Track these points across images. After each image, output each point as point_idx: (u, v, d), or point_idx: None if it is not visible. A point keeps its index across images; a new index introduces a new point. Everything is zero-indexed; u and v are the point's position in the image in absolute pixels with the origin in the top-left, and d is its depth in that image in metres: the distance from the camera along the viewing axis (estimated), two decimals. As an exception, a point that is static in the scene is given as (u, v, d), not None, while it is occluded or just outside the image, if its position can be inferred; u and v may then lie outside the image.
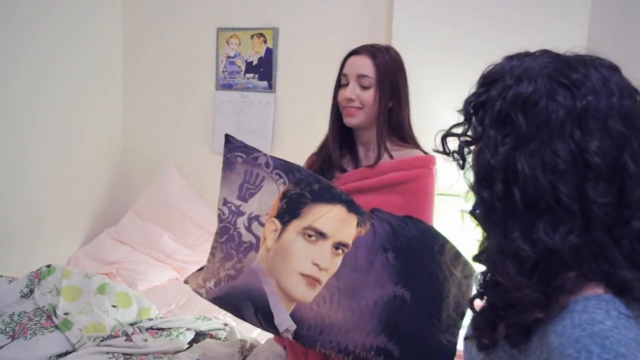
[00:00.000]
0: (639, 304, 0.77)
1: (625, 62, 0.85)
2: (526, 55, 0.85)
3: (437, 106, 2.55)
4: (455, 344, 1.57)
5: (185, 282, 1.80)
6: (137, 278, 2.96)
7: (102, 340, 2.00)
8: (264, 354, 1.91)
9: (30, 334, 1.97)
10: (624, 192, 0.77)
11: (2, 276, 2.34)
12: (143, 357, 1.94)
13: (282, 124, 3.25)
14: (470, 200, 0.88)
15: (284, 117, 3.24)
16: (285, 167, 1.63)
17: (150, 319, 2.26)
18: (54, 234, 3.20)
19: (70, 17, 3.18)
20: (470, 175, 0.88)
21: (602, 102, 0.77)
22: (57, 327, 2.03)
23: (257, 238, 1.61)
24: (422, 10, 2.68)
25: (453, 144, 0.93)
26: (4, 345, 1.95)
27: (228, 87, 3.35)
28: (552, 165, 0.77)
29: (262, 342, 2.04)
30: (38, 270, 2.32)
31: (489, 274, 0.87)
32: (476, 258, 0.89)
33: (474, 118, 0.86)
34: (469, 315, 1.60)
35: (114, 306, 2.25)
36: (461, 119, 0.90)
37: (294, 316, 1.56)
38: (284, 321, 1.56)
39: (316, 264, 1.55)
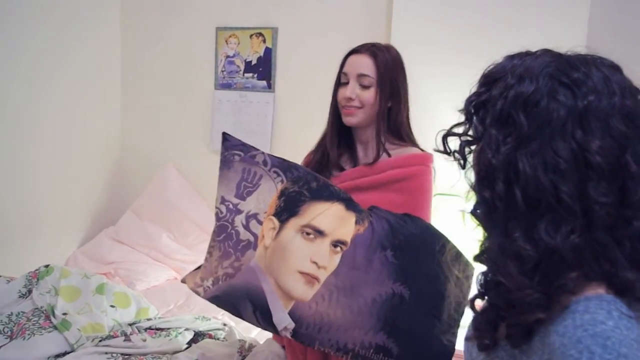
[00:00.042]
0: None
1: (625, 61, 0.85)
2: (527, 54, 0.85)
3: (436, 105, 2.55)
4: (455, 343, 1.57)
5: (183, 281, 1.79)
6: (135, 278, 2.95)
7: (100, 341, 2.00)
8: (263, 353, 1.91)
9: (29, 334, 1.97)
10: (626, 192, 0.77)
11: (0, 276, 2.34)
12: (142, 357, 1.93)
13: (281, 123, 3.24)
14: (471, 200, 0.88)
15: (283, 117, 3.24)
16: (283, 165, 1.62)
17: (148, 319, 2.25)
18: (52, 233, 3.20)
19: (70, 17, 3.18)
20: (471, 175, 0.88)
21: (604, 102, 0.77)
22: (55, 328, 2.02)
23: (255, 236, 1.61)
24: (422, 10, 2.68)
25: (453, 143, 0.93)
26: (2, 346, 1.95)
27: (227, 86, 3.34)
28: (554, 165, 0.77)
29: (261, 342, 2.04)
30: (36, 270, 2.31)
31: (489, 274, 0.87)
32: (477, 258, 0.88)
33: (475, 117, 0.86)
34: (467, 315, 1.61)
35: (112, 306, 2.24)
36: (461, 118, 0.90)
37: (292, 314, 1.56)
38: (283, 319, 1.56)
39: (315, 262, 1.55)
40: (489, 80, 0.85)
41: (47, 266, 2.32)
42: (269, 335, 1.99)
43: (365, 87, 1.71)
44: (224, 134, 1.69)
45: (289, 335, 1.57)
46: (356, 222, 1.58)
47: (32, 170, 3.04)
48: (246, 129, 3.25)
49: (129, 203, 3.51)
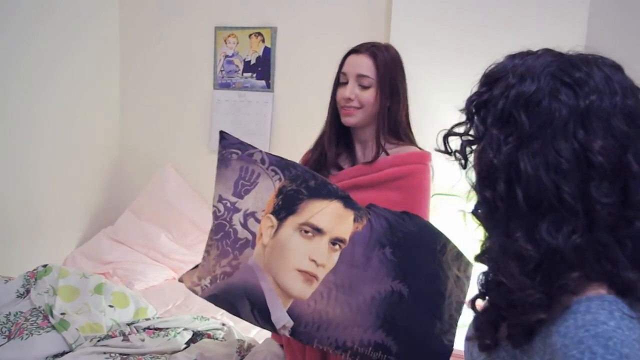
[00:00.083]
0: None
1: (625, 60, 0.85)
2: (528, 54, 0.85)
3: (435, 105, 2.55)
4: (453, 342, 1.58)
5: (180, 280, 1.79)
6: (134, 278, 2.95)
7: (99, 341, 1.99)
8: (262, 353, 1.90)
9: (27, 334, 1.96)
10: (627, 192, 0.77)
11: (-2, 276, 2.34)
12: (140, 357, 1.93)
13: (280, 123, 3.24)
14: (472, 200, 0.87)
15: (282, 117, 3.23)
16: (280, 164, 1.62)
17: (147, 319, 2.25)
18: (51, 233, 3.19)
19: (69, 16, 3.17)
20: (472, 175, 0.88)
21: (606, 101, 0.77)
22: (53, 327, 2.02)
23: (253, 234, 1.60)
24: (421, 10, 2.68)
25: (454, 143, 0.92)
26: (0, 346, 1.94)
27: (226, 86, 3.34)
28: (555, 165, 0.76)
29: (260, 342, 2.04)
30: (34, 270, 2.31)
31: (490, 274, 0.87)
32: (478, 258, 0.88)
33: (476, 117, 0.85)
34: (466, 314, 1.61)
35: (110, 306, 2.24)
36: (462, 118, 0.90)
37: (291, 313, 1.55)
38: (281, 318, 1.55)
39: (313, 260, 1.55)
40: (490, 79, 0.85)
41: (45, 266, 2.31)
42: (267, 334, 1.99)
43: (364, 88, 1.71)
44: (222, 132, 1.69)
45: (287, 334, 1.57)
46: (354, 220, 1.57)
47: (31, 169, 3.04)
48: (245, 129, 3.25)
49: (127, 203, 3.50)
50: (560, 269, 0.77)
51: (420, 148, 1.79)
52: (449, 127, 0.93)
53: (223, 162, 1.66)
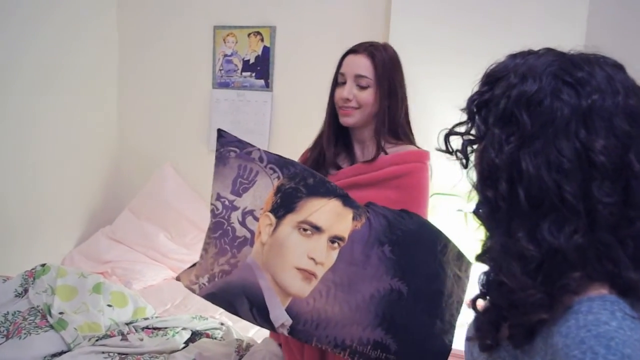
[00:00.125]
0: None
1: (624, 60, 0.85)
2: (530, 53, 0.85)
3: (434, 104, 2.55)
4: (452, 340, 1.57)
5: (177, 279, 1.78)
6: (132, 277, 2.95)
7: (97, 340, 1.99)
8: (261, 353, 1.90)
9: (25, 334, 1.96)
10: (629, 192, 0.77)
11: (-4, 275, 2.33)
12: (139, 356, 1.92)
13: (279, 122, 3.24)
14: (473, 200, 0.87)
15: (281, 116, 3.23)
16: (279, 162, 1.62)
17: (146, 319, 2.25)
18: (49, 232, 3.19)
19: (68, 16, 3.17)
20: (473, 175, 0.87)
21: (608, 101, 0.77)
22: (51, 327, 2.01)
23: (252, 233, 1.59)
24: (420, 9, 2.68)
25: (455, 143, 0.92)
26: (-2, 345, 1.94)
27: (225, 85, 3.34)
28: (557, 165, 0.76)
29: (259, 342, 2.03)
30: (32, 269, 2.30)
31: (492, 274, 0.86)
32: (479, 258, 0.88)
33: (477, 117, 0.85)
34: (464, 314, 1.61)
35: (109, 305, 2.23)
36: (462, 117, 0.89)
37: (289, 311, 1.55)
38: (280, 316, 1.55)
39: (312, 258, 1.54)
40: (492, 79, 0.85)
41: (43, 265, 2.31)
42: (266, 334, 1.99)
43: (362, 88, 1.71)
44: (219, 131, 1.69)
45: (286, 333, 1.57)
46: (353, 218, 1.57)
47: (30, 169, 3.03)
48: (244, 128, 3.25)
49: (126, 202, 3.50)
50: (562, 268, 0.77)
51: (418, 147, 1.79)
52: (448, 126, 0.93)
53: (221, 160, 1.66)
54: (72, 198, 3.36)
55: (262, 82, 3.24)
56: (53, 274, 2.25)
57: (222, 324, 2.26)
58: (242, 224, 1.61)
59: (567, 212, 0.76)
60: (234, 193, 1.63)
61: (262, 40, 3.19)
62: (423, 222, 1.64)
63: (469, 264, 1.59)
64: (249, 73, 3.26)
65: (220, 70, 3.33)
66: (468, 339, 0.93)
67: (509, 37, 2.41)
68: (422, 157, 1.76)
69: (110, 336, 2.01)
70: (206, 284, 1.63)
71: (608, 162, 0.75)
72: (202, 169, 3.04)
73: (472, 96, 0.86)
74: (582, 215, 0.76)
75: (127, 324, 2.17)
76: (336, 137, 1.81)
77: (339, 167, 1.80)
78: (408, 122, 1.81)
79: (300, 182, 1.59)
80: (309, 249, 1.55)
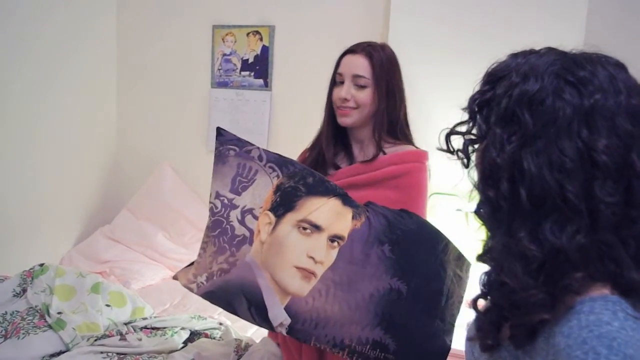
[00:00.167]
0: None
1: (623, 59, 0.84)
2: (531, 52, 0.85)
3: (433, 104, 2.55)
4: (451, 340, 1.58)
5: (175, 277, 1.78)
6: (131, 277, 2.94)
7: (96, 340, 1.98)
8: (259, 352, 1.90)
9: (23, 334, 1.95)
10: (631, 192, 0.76)
11: (-6, 275, 2.33)
12: (137, 356, 1.92)
13: (278, 122, 3.23)
14: (474, 200, 0.87)
15: (280, 115, 3.23)
16: (278, 161, 1.61)
17: (144, 318, 2.24)
18: (47, 232, 3.18)
19: (67, 16, 3.17)
20: (475, 174, 0.87)
21: (610, 100, 0.77)
22: (50, 327, 2.01)
23: (251, 231, 1.59)
24: (419, 9, 2.68)
25: (455, 142, 0.92)
26: (-4, 345, 1.93)
27: (224, 84, 3.33)
28: (559, 164, 0.76)
29: (257, 341, 2.03)
30: (31, 269, 2.30)
31: (493, 274, 0.86)
32: (480, 258, 0.88)
33: (478, 116, 0.85)
34: (464, 314, 1.61)
35: (107, 305, 2.23)
36: (460, 117, 0.89)
37: (288, 310, 1.54)
38: (278, 315, 1.54)
39: (311, 257, 1.54)
40: (493, 78, 0.85)
41: (41, 265, 2.30)
42: (265, 333, 1.99)
43: (360, 88, 1.71)
44: (219, 129, 1.68)
45: (284, 332, 1.56)
46: (353, 217, 1.57)
47: (29, 168, 3.03)
48: (243, 128, 3.24)
49: (124, 202, 3.49)
50: (564, 269, 0.77)
51: (417, 147, 1.79)
52: (447, 126, 0.93)
53: (220, 158, 1.65)
54: (71, 197, 3.35)
55: (261, 81, 3.23)
56: (51, 273, 2.25)
57: (220, 323, 2.25)
58: (241, 222, 1.60)
59: (569, 212, 0.76)
60: (233, 191, 1.62)
61: (261, 39, 3.19)
62: (423, 222, 1.64)
63: (468, 264, 1.59)
64: (247, 72, 3.26)
65: (219, 69, 3.32)
66: (469, 339, 0.93)
67: (508, 37, 2.41)
68: (420, 157, 1.76)
69: (108, 336, 2.01)
70: (204, 282, 1.63)
71: (610, 162, 0.75)
72: (201, 168, 3.04)
73: (473, 95, 0.86)
74: (584, 215, 0.76)
75: (125, 323, 2.16)
76: (335, 137, 1.81)
77: (337, 167, 1.80)
78: (406, 122, 1.82)
79: (300, 181, 1.58)
80: (308, 248, 1.54)
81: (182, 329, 2.15)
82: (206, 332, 2.18)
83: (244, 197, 1.61)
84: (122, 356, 1.92)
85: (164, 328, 2.14)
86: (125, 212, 3.41)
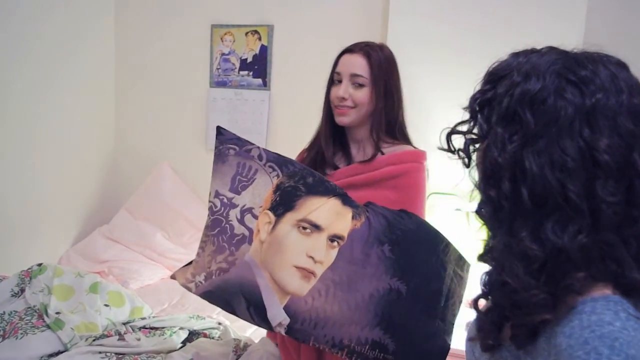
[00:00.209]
0: None
1: (622, 59, 0.84)
2: (532, 51, 0.84)
3: (432, 104, 2.55)
4: (450, 340, 1.58)
5: (173, 277, 1.77)
6: (129, 277, 2.94)
7: (94, 340, 1.98)
8: (258, 352, 1.89)
9: (21, 334, 1.95)
10: (633, 191, 0.76)
11: (-7, 275, 2.32)
12: (136, 356, 1.91)
13: (277, 121, 3.23)
14: (475, 199, 0.87)
15: (279, 115, 3.22)
16: (278, 160, 1.61)
17: (143, 318, 2.23)
18: (46, 231, 3.18)
19: (66, 15, 3.17)
20: (476, 174, 0.87)
21: (612, 100, 0.76)
22: (48, 327, 2.00)
23: (250, 230, 1.58)
24: (418, 9, 2.68)
25: (456, 142, 0.92)
26: (-6, 345, 1.93)
27: (222, 84, 3.33)
28: (561, 164, 0.76)
29: (256, 341, 2.03)
30: (29, 268, 2.29)
31: (494, 274, 0.86)
32: (481, 258, 0.88)
33: (479, 115, 0.85)
34: (462, 314, 1.61)
35: (106, 305, 2.22)
36: (458, 117, 0.89)
37: (287, 310, 1.54)
38: (277, 315, 1.54)
39: (311, 257, 1.53)
40: (494, 77, 0.84)
41: (40, 265, 2.30)
42: (263, 333, 1.98)
43: (358, 87, 1.71)
44: (219, 128, 1.68)
45: (283, 332, 1.56)
46: (353, 217, 1.56)
47: (27, 168, 3.03)
48: (241, 127, 3.24)
49: (123, 201, 3.49)
50: (566, 268, 0.76)
51: (415, 147, 1.80)
52: (446, 126, 0.92)
53: (220, 157, 1.65)
54: (69, 197, 3.35)
55: (259, 81, 3.23)
56: (50, 273, 2.24)
57: (219, 323, 2.25)
58: (241, 221, 1.60)
59: (571, 212, 0.76)
60: (233, 190, 1.62)
61: (260, 39, 3.18)
62: (422, 222, 1.64)
63: (468, 264, 1.59)
64: (246, 72, 3.25)
65: (218, 69, 3.32)
66: (470, 339, 0.93)
67: (507, 37, 2.41)
68: (418, 157, 1.77)
69: (107, 336, 2.00)
70: (203, 282, 1.62)
71: (612, 161, 0.74)
72: (200, 168, 3.05)
73: (474, 95, 0.86)
74: (586, 215, 0.75)
75: (124, 323, 2.16)
76: (333, 136, 1.81)
77: (336, 167, 1.80)
78: (404, 122, 1.82)
79: (300, 180, 1.58)
80: (308, 248, 1.54)
81: (181, 328, 2.14)
82: (205, 331, 2.18)
83: (243, 196, 1.61)
84: (120, 356, 1.91)
85: (163, 328, 2.14)
86: (124, 212, 3.41)
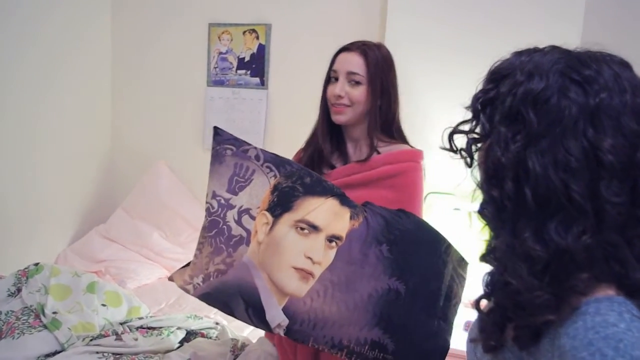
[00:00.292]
0: None
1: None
2: (535, 50, 0.84)
3: (430, 103, 2.55)
4: (450, 340, 1.58)
5: (170, 279, 1.76)
6: (126, 276, 2.93)
7: (91, 340, 1.97)
8: (256, 352, 1.89)
9: (18, 334, 1.93)
10: (637, 192, 0.76)
11: (-12, 274, 2.31)
12: (133, 356, 1.91)
13: (274, 120, 3.23)
14: (477, 199, 0.86)
15: (276, 114, 3.22)
16: (276, 160, 1.60)
17: (140, 318, 2.23)
18: (42, 231, 3.17)
19: (64, 15, 3.16)
20: (477, 174, 0.86)
21: (615, 99, 0.76)
22: (45, 327, 1.99)
23: (248, 232, 1.57)
24: (416, 8, 2.68)
25: (456, 142, 0.91)
26: (-9, 345, 1.92)
27: (220, 83, 3.32)
28: (565, 164, 0.75)
29: (254, 341, 2.02)
30: (26, 268, 2.28)
31: (496, 275, 0.85)
32: (483, 258, 0.87)
33: (482, 115, 0.84)
34: (461, 314, 1.60)
35: (103, 305, 2.21)
36: (456, 116, 0.89)
37: (286, 311, 1.53)
38: (276, 316, 1.53)
39: (309, 257, 1.52)
40: (497, 76, 0.84)
41: (36, 264, 2.28)
42: (261, 333, 1.98)
43: (354, 85, 1.71)
44: (216, 128, 1.67)
45: (282, 333, 1.55)
46: (351, 217, 1.56)
47: (24, 167, 3.02)
48: (239, 126, 3.24)
49: (120, 201, 3.48)
50: (569, 269, 0.76)
51: (412, 146, 1.80)
52: (444, 124, 0.92)
53: (217, 158, 1.64)
54: (66, 196, 3.34)
55: (257, 80, 3.22)
56: (46, 273, 2.23)
57: (217, 323, 2.24)
58: (238, 222, 1.59)
59: (575, 212, 0.75)
60: (230, 191, 1.61)
61: (258, 37, 3.18)
62: (420, 221, 1.63)
63: (466, 263, 1.59)
64: (244, 71, 3.25)
65: (215, 68, 3.31)
66: (472, 340, 0.92)
67: (505, 36, 2.41)
68: (415, 157, 1.77)
69: (104, 336, 1.99)
70: (201, 283, 1.61)
71: (616, 161, 0.74)
72: (197, 166, 3.04)
73: (476, 94, 0.85)
74: (590, 215, 0.75)
75: (121, 323, 2.15)
76: (330, 134, 1.81)
77: (332, 166, 1.80)
78: (400, 121, 1.82)
79: (297, 180, 1.57)
80: (306, 248, 1.53)
81: (178, 328, 2.14)
82: (202, 331, 2.17)
83: (240, 197, 1.60)
84: (118, 356, 1.90)
85: (160, 328, 2.13)
86: (121, 211, 3.40)
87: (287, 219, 1.55)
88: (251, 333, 2.29)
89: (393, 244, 1.54)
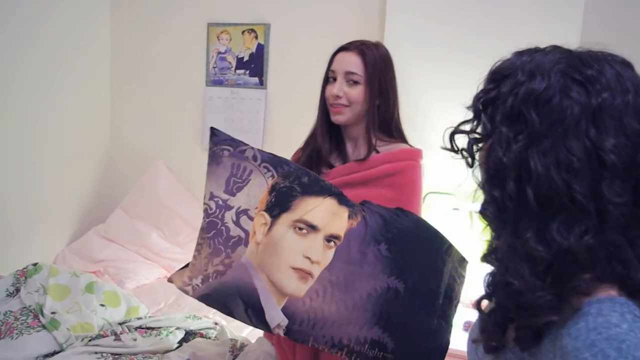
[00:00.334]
0: None
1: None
2: (536, 50, 0.84)
3: (429, 103, 2.55)
4: (449, 339, 1.58)
5: (170, 280, 1.76)
6: (125, 276, 2.92)
7: (90, 340, 1.96)
8: (255, 352, 1.89)
9: (17, 334, 1.93)
10: (639, 192, 0.75)
11: (-13, 275, 2.30)
12: (132, 356, 1.90)
13: (273, 120, 3.22)
14: (479, 200, 0.86)
15: (275, 114, 3.22)
16: (273, 160, 1.60)
17: (139, 318, 2.22)
18: (41, 231, 3.16)
19: (63, 14, 3.15)
20: (479, 174, 0.86)
21: (617, 99, 0.76)
22: (44, 327, 1.99)
23: (246, 232, 1.57)
24: (415, 7, 2.68)
25: (456, 142, 0.91)
26: (-11, 345, 1.91)
27: (218, 83, 3.31)
28: (567, 164, 0.75)
29: (253, 341, 2.02)
30: (24, 268, 2.28)
31: (498, 275, 0.85)
32: (485, 258, 0.87)
33: (483, 114, 0.84)
34: (460, 314, 1.60)
35: (102, 305, 2.21)
36: (454, 115, 0.88)
37: (285, 311, 1.53)
38: (276, 317, 1.53)
39: (308, 257, 1.52)
40: (498, 76, 0.84)
41: (35, 264, 2.28)
42: (260, 333, 1.98)
43: (353, 85, 1.71)
44: (212, 129, 1.67)
45: (282, 333, 1.55)
46: (349, 217, 1.56)
47: (23, 167, 3.01)
48: (238, 126, 3.23)
49: (118, 200, 3.47)
50: (572, 270, 0.76)
51: (411, 145, 1.80)
52: (443, 124, 0.92)
53: (214, 158, 1.64)
54: (64, 196, 3.33)
55: (256, 79, 3.22)
56: (45, 273, 2.23)
57: (216, 323, 2.24)
58: (236, 223, 1.58)
59: (577, 212, 0.75)
60: (228, 192, 1.60)
61: (257, 37, 3.18)
62: (419, 220, 1.64)
63: (466, 262, 1.59)
64: (242, 71, 3.24)
65: (214, 67, 3.31)
66: (473, 341, 0.92)
67: (504, 35, 2.41)
68: (414, 156, 1.77)
69: (103, 336, 1.99)
70: (199, 285, 1.61)
71: (618, 161, 0.74)
72: (196, 166, 3.03)
73: (478, 94, 0.85)
74: (593, 216, 0.75)
75: (120, 323, 2.15)
76: (329, 134, 1.81)
77: (331, 166, 1.80)
78: (399, 121, 1.82)
79: (295, 180, 1.57)
80: (304, 248, 1.53)
81: (177, 328, 2.13)
82: (201, 331, 2.17)
83: (238, 197, 1.59)
84: (116, 356, 1.90)
85: (159, 328, 2.13)
86: (119, 211, 3.40)
87: (285, 219, 1.55)
88: (250, 333, 2.29)
89: (392, 242, 1.54)
